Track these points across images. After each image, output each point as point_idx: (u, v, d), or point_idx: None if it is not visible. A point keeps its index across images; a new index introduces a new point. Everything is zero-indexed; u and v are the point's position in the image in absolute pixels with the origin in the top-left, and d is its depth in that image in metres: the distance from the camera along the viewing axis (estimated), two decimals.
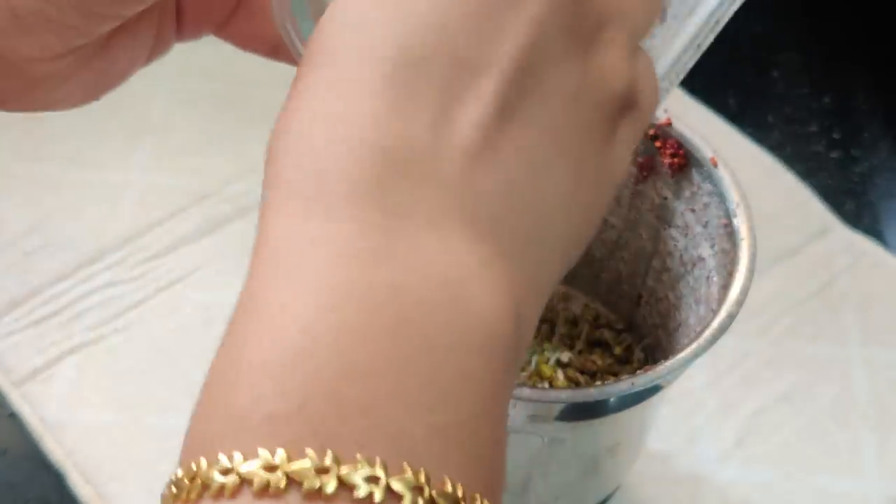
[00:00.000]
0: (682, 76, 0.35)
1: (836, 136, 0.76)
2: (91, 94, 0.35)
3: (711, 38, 0.35)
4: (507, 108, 0.26)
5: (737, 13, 0.35)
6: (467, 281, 0.25)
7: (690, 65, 0.35)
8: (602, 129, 0.28)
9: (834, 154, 0.75)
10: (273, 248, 0.25)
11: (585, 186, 0.28)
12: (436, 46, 0.26)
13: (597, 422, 0.46)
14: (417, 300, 0.24)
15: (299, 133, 0.26)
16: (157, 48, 0.36)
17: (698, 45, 0.35)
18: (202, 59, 0.73)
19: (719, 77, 0.77)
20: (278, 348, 0.24)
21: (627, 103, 0.29)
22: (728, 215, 0.48)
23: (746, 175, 0.50)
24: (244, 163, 0.72)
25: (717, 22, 0.34)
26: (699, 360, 0.44)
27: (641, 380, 0.43)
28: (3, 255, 0.66)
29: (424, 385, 0.23)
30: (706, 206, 0.50)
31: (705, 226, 0.50)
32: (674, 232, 0.52)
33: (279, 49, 0.36)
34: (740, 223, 0.48)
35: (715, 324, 0.44)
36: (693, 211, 0.51)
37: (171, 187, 0.70)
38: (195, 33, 0.36)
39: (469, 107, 0.26)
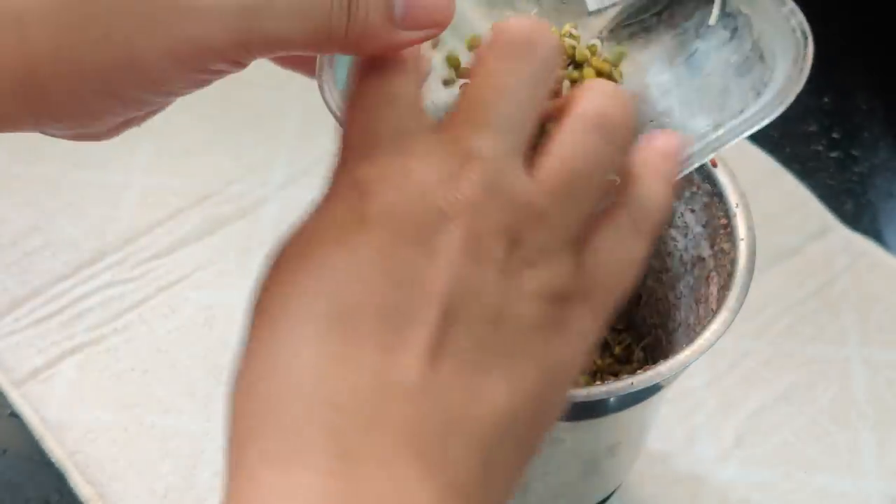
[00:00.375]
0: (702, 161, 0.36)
1: (835, 135, 0.76)
2: (138, 123, 0.36)
3: (712, 155, 0.35)
4: (437, 350, 0.28)
5: None
6: None
7: (712, 156, 0.36)
8: (542, 332, 0.30)
9: (833, 154, 0.75)
10: (242, 498, 0.27)
11: (529, 394, 0.30)
12: (362, 302, 0.28)
13: (597, 421, 0.46)
14: None
15: (256, 394, 0.28)
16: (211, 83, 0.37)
17: (717, 148, 0.35)
18: None
19: None
20: None
21: (566, 295, 0.30)
22: (728, 215, 0.48)
23: (746, 175, 0.50)
24: (244, 163, 0.72)
25: (722, 145, 0.35)
26: (699, 360, 0.44)
27: (641, 380, 0.43)
28: (3, 255, 0.66)
29: None
30: (706, 206, 0.50)
31: (705, 226, 0.50)
32: (674, 232, 0.53)
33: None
34: (740, 223, 0.48)
35: (715, 324, 0.44)
36: (693, 211, 0.51)
37: (172, 188, 0.70)
38: (232, 71, 0.37)
39: (402, 354, 0.28)
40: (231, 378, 0.29)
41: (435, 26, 0.31)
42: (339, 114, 0.34)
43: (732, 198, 0.48)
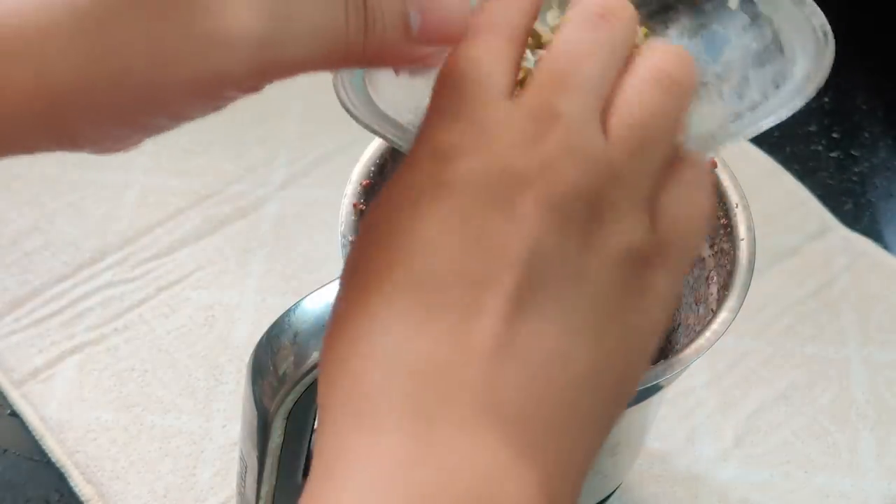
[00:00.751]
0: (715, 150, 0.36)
1: (835, 135, 0.76)
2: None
3: (728, 145, 0.35)
4: (516, 313, 0.29)
5: None
6: (500, 479, 0.27)
7: (728, 144, 0.36)
8: (622, 295, 0.30)
9: (833, 154, 0.75)
10: (327, 462, 0.28)
11: (615, 352, 0.30)
12: (444, 269, 0.29)
13: None
14: (457, 497, 0.27)
15: (340, 358, 0.30)
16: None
17: (714, 146, 0.35)
18: None
19: None
20: None
21: (645, 257, 0.30)
22: (728, 215, 0.48)
23: (746, 175, 0.50)
24: (244, 163, 0.72)
25: (737, 134, 0.35)
26: (699, 360, 0.44)
27: (641, 380, 0.43)
28: (3, 255, 0.66)
29: None
30: None
31: None
32: None
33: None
34: (739, 223, 0.48)
35: (715, 324, 0.44)
36: None
37: (172, 188, 0.70)
38: (247, 95, 0.38)
39: (481, 318, 0.28)
40: (324, 343, 0.31)
41: (452, 39, 0.31)
42: (352, 109, 0.34)
43: (732, 198, 0.49)
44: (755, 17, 0.37)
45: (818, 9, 0.35)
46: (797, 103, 0.35)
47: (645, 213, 0.31)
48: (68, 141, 0.31)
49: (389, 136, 0.34)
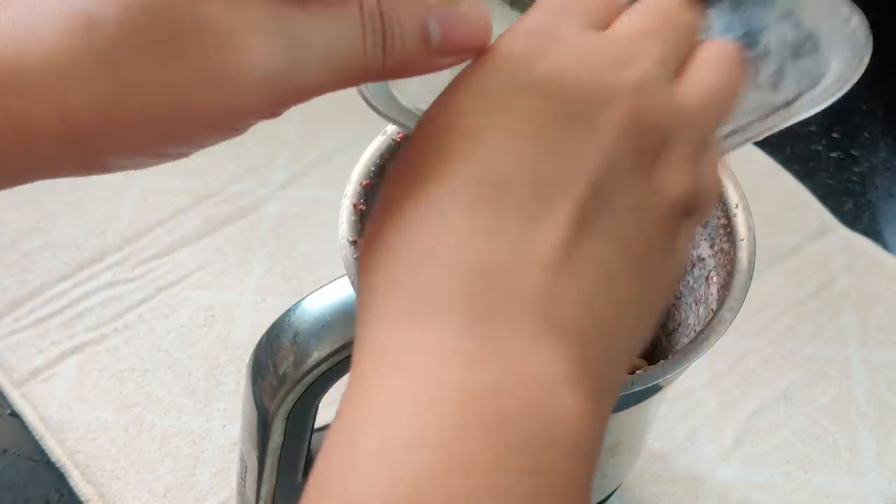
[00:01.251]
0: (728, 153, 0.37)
1: (835, 135, 0.76)
2: None
3: (765, 136, 0.36)
4: (581, 227, 0.29)
5: None
6: (555, 384, 0.27)
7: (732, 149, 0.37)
8: (665, 234, 0.31)
9: (833, 154, 0.75)
10: (378, 352, 0.28)
11: (651, 286, 0.31)
12: (515, 171, 0.29)
13: None
14: (512, 400, 0.27)
15: (393, 248, 0.29)
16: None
17: (749, 139, 0.36)
18: None
19: None
20: (391, 439, 0.26)
21: (688, 208, 0.32)
22: (728, 215, 0.48)
23: (746, 175, 0.50)
24: (244, 163, 0.72)
25: (771, 129, 0.36)
26: (699, 360, 0.44)
27: (641, 380, 0.43)
28: (3, 255, 0.66)
29: (522, 479, 0.26)
30: None
31: (705, 226, 0.50)
32: None
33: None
34: (739, 223, 0.48)
35: (715, 324, 0.44)
36: None
37: (172, 188, 0.70)
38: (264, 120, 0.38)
39: (547, 226, 0.28)
40: (365, 238, 0.30)
41: (473, 50, 0.31)
42: (371, 100, 0.34)
43: (732, 198, 0.48)
44: (791, 8, 0.37)
45: (856, 12, 0.36)
46: (832, 98, 0.35)
47: (695, 170, 0.32)
48: (95, 167, 0.32)
49: (412, 125, 0.34)
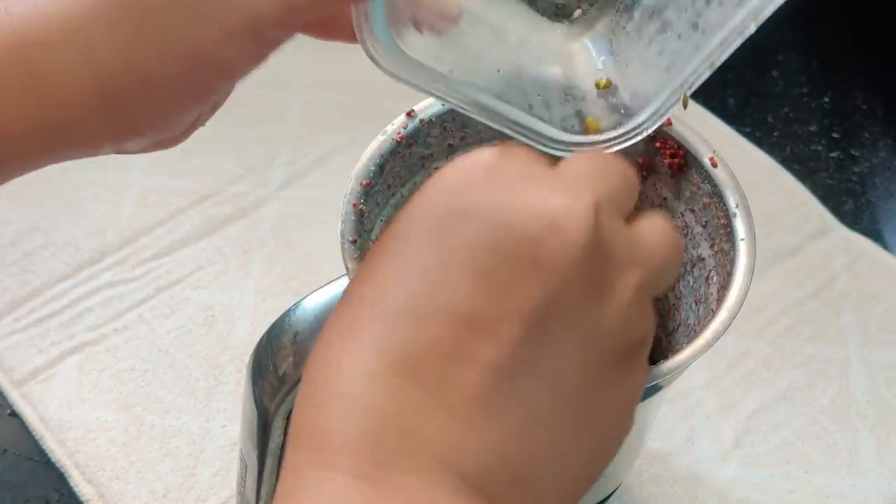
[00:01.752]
0: (721, 61, 0.36)
1: (835, 135, 0.76)
2: (203, 123, 0.37)
3: (724, 57, 0.35)
4: (504, 368, 0.27)
5: None
6: None
7: (731, 51, 0.35)
8: (614, 373, 0.29)
9: (833, 154, 0.75)
10: (283, 490, 0.28)
11: (592, 428, 0.29)
12: (438, 304, 0.27)
13: None
14: None
15: (312, 386, 0.28)
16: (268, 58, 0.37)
17: (712, 63, 0.35)
18: None
19: (719, 77, 0.77)
20: None
21: (639, 345, 0.30)
22: (728, 215, 0.48)
23: (746, 175, 0.50)
24: (244, 163, 0.72)
25: (761, 10, 0.34)
26: (699, 360, 0.44)
27: None
28: (3, 255, 0.66)
29: None
30: (706, 206, 0.50)
31: (705, 226, 0.50)
32: None
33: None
34: (740, 223, 0.48)
35: (715, 324, 0.44)
36: (693, 211, 0.51)
37: (172, 188, 0.70)
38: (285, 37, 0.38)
39: (464, 367, 0.27)
40: (306, 363, 0.29)
41: None
42: (383, 63, 0.33)
43: (732, 198, 0.48)
44: None
45: None
46: None
47: (649, 304, 0.30)
48: (127, 128, 0.32)
49: (425, 85, 0.33)
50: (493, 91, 0.36)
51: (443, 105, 0.44)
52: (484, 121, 0.36)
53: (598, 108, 0.40)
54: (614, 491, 0.56)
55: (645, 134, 0.39)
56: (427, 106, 0.46)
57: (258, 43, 0.31)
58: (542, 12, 0.39)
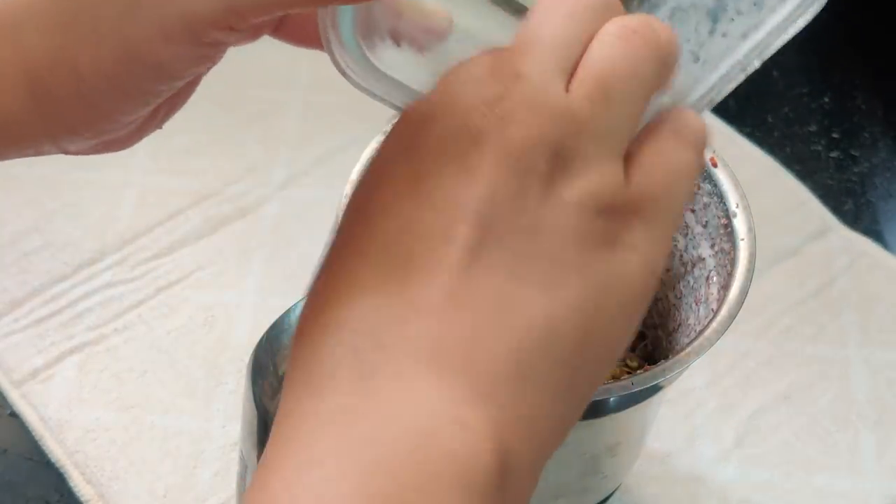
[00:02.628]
0: (721, 97, 0.34)
1: (835, 135, 0.76)
2: (157, 126, 0.36)
3: (758, 64, 0.34)
4: (469, 265, 0.28)
5: None
6: (438, 424, 0.27)
7: (733, 87, 0.34)
8: (585, 248, 0.29)
9: (833, 154, 0.75)
10: (279, 424, 0.29)
11: (572, 308, 0.29)
12: (394, 228, 0.29)
13: (597, 421, 0.46)
14: (388, 449, 0.27)
15: (301, 334, 0.30)
16: (211, 66, 0.36)
17: (711, 100, 0.34)
18: None
19: None
20: (271, 497, 0.27)
21: (615, 207, 0.29)
22: (728, 215, 0.48)
23: (746, 175, 0.50)
24: (244, 163, 0.72)
25: (766, 47, 0.33)
26: (699, 360, 0.44)
27: (641, 380, 0.43)
28: (3, 255, 0.66)
29: None
30: (706, 206, 0.50)
31: (705, 226, 0.50)
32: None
33: None
34: (740, 223, 0.48)
35: (715, 324, 0.44)
36: (693, 211, 0.51)
37: (171, 188, 0.70)
38: (252, 38, 0.36)
39: (434, 272, 0.28)
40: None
41: None
42: (347, 71, 0.32)
43: (732, 198, 0.48)
44: None
45: None
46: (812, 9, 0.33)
47: (614, 164, 0.29)
48: (59, 125, 0.31)
49: (398, 102, 0.32)
50: None
51: None
52: None
53: None
54: (614, 491, 0.56)
55: None
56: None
57: (197, 44, 0.30)
58: None
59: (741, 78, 0.34)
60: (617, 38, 0.30)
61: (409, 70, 0.32)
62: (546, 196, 0.29)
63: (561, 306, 0.28)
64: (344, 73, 0.32)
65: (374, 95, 0.33)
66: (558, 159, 0.29)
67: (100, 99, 0.31)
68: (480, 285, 0.28)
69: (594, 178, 0.29)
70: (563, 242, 0.29)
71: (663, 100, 0.32)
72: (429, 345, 0.28)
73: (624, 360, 0.58)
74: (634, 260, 0.29)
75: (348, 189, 0.46)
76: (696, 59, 0.34)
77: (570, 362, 0.29)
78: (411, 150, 0.30)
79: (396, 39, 0.32)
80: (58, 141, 0.32)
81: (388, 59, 0.32)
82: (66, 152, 0.34)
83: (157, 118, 0.35)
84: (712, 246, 0.49)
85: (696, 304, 0.51)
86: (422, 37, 0.33)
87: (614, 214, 0.29)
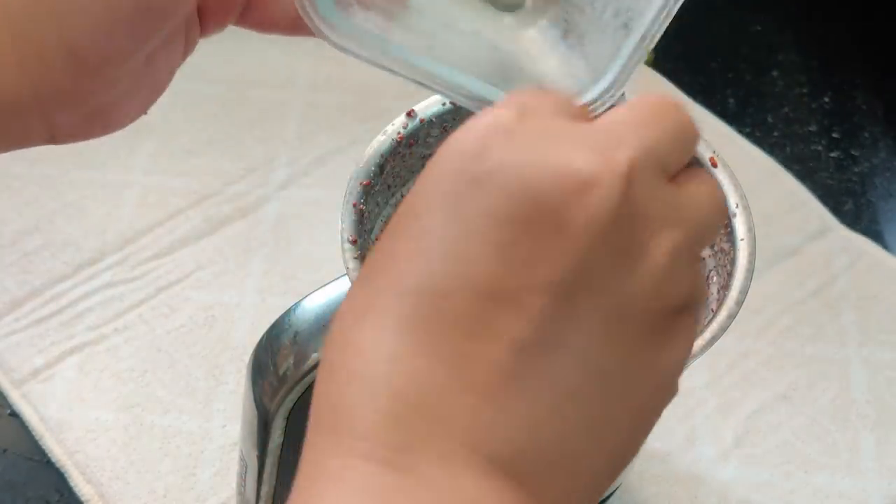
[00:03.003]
0: (652, 44, 0.34)
1: (835, 135, 0.76)
2: (139, 109, 0.36)
3: (680, 2, 0.33)
4: (531, 344, 0.25)
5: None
6: None
7: (661, 32, 0.33)
8: (650, 342, 0.27)
9: (833, 154, 0.75)
10: (306, 474, 0.26)
11: (628, 401, 0.27)
12: (459, 279, 0.25)
13: None
14: None
15: (332, 367, 0.27)
16: (186, 50, 0.37)
17: (669, 11, 0.33)
18: (202, 60, 0.73)
19: (719, 77, 0.77)
20: None
21: (681, 308, 0.28)
22: (728, 215, 0.48)
23: (746, 175, 0.50)
24: (244, 163, 0.72)
25: None
26: (699, 360, 0.44)
27: None
28: (3, 255, 0.66)
29: None
30: None
31: None
32: None
33: (297, 25, 0.36)
34: (740, 223, 0.48)
35: (715, 324, 0.44)
36: None
37: (172, 188, 0.70)
38: (218, 27, 0.37)
39: (493, 343, 0.25)
40: (325, 340, 0.28)
41: None
42: (324, 31, 0.32)
43: (732, 198, 0.48)
44: None
45: None
46: None
47: (697, 264, 0.28)
48: (50, 86, 0.31)
49: (376, 58, 0.32)
50: (449, 66, 0.34)
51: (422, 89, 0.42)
52: (443, 93, 0.34)
53: (562, 82, 0.38)
54: (614, 491, 0.56)
55: (615, 98, 0.36)
56: (427, 106, 0.46)
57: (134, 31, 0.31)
58: (492, 2, 0.38)
59: (667, 21, 0.32)
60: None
61: (384, 26, 0.32)
62: (635, 281, 0.26)
63: (630, 406, 0.27)
64: (320, 34, 0.32)
65: (353, 54, 0.32)
66: (654, 242, 0.27)
67: (82, 40, 0.31)
68: (544, 369, 0.25)
69: (685, 278, 0.27)
70: (642, 334, 0.27)
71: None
72: (477, 430, 0.25)
73: None
74: (680, 353, 0.28)
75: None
76: None
77: (619, 451, 0.28)
78: (488, 179, 0.26)
79: (364, 4, 0.32)
80: (46, 110, 0.32)
81: (361, 17, 0.32)
82: (57, 137, 0.33)
83: (140, 97, 0.35)
84: (712, 246, 0.49)
85: None
86: (385, 2, 0.32)
87: (678, 310, 0.28)
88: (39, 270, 0.66)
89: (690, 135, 0.29)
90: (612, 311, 0.26)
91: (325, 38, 0.32)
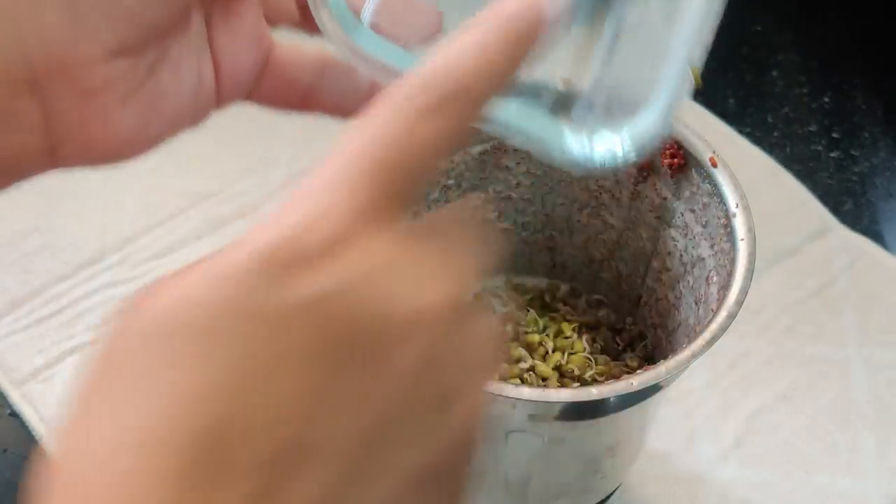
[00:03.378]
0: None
1: (835, 135, 0.76)
2: (142, 137, 0.35)
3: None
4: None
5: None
6: None
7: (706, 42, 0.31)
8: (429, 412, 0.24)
9: (833, 154, 0.75)
10: None
11: None
12: (241, 428, 0.22)
13: (596, 421, 0.46)
14: None
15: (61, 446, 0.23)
16: (199, 111, 0.37)
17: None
18: None
19: (719, 77, 0.77)
20: None
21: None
22: (727, 215, 0.48)
23: (746, 175, 0.50)
24: (244, 163, 0.72)
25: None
26: (699, 360, 0.44)
27: (641, 380, 0.43)
28: (3, 255, 0.66)
29: None
30: (706, 206, 0.50)
31: (705, 226, 0.50)
32: (673, 232, 0.53)
33: (308, 99, 0.37)
34: (739, 223, 0.48)
35: (715, 324, 0.44)
36: (693, 211, 0.51)
37: (172, 188, 0.70)
38: (228, 102, 0.39)
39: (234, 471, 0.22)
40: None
41: None
42: (337, 40, 0.32)
43: (732, 198, 0.48)
44: None
45: None
46: None
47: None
48: (50, 81, 0.32)
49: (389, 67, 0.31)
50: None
51: None
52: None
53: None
54: (614, 491, 0.56)
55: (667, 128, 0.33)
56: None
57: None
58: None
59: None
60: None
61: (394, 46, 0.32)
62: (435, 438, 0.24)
63: None
64: (331, 40, 0.32)
65: (362, 62, 0.32)
66: (445, 398, 0.24)
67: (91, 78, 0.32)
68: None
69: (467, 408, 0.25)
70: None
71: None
72: None
73: (624, 360, 0.58)
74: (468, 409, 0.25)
75: None
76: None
77: None
78: (290, 303, 0.24)
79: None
80: (53, 151, 0.32)
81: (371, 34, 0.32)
82: (61, 160, 0.33)
83: (142, 119, 0.34)
84: (712, 246, 0.49)
85: (696, 304, 0.51)
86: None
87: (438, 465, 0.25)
88: (39, 270, 0.65)
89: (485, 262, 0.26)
90: (412, 473, 0.23)
91: (338, 47, 0.32)
